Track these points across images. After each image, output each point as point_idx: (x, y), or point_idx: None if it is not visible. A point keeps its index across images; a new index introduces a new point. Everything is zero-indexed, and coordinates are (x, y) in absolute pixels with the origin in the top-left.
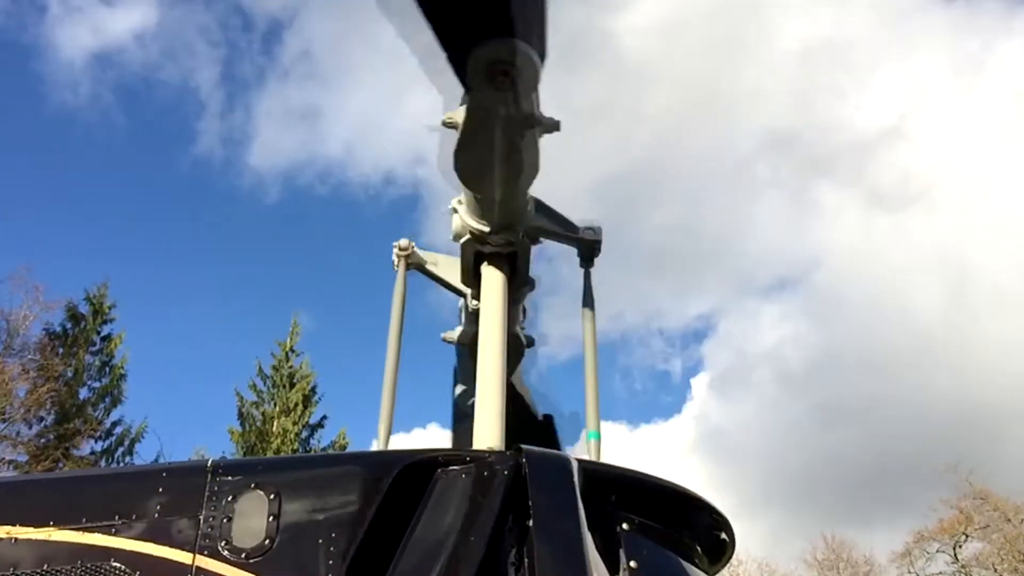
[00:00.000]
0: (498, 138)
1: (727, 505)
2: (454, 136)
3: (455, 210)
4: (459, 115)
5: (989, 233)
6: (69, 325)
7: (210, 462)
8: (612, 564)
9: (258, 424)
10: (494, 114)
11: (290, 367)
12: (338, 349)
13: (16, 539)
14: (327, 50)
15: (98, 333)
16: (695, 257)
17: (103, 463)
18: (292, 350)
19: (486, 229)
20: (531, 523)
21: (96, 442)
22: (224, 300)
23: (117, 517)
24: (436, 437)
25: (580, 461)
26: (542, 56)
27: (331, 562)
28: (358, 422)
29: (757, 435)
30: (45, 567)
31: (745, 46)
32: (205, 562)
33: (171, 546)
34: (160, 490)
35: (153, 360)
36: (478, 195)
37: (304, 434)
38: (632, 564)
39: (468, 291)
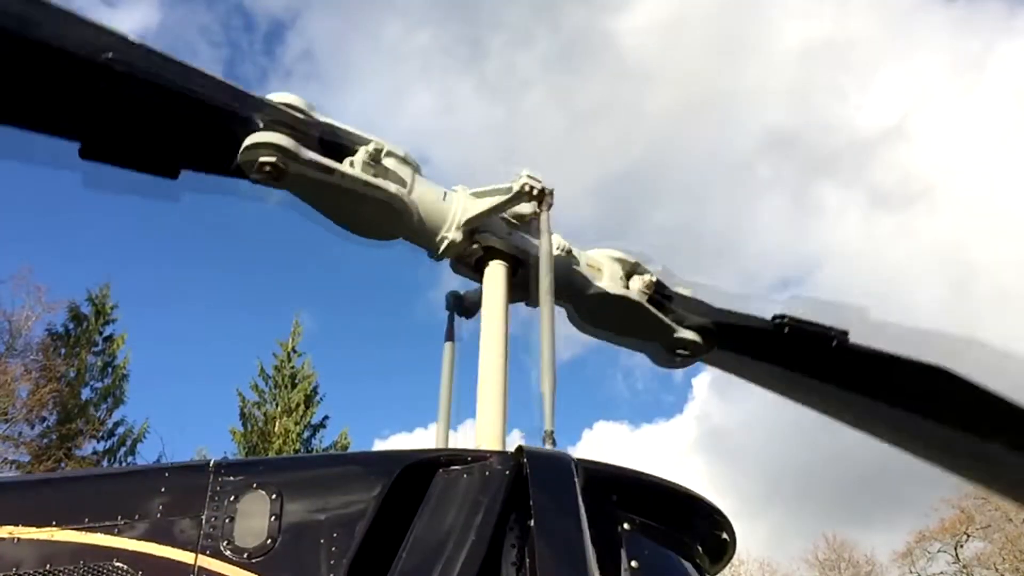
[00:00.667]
0: None
1: (728, 505)
2: None
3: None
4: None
5: (991, 232)
6: (71, 325)
7: (212, 462)
8: (613, 564)
9: (260, 424)
10: None
11: (292, 367)
12: (340, 349)
13: (18, 539)
14: (328, 50)
15: (100, 333)
16: (696, 257)
17: (105, 463)
18: (294, 350)
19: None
20: (532, 523)
21: (98, 442)
22: (226, 300)
23: (119, 517)
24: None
25: (581, 461)
26: None
27: (333, 562)
28: (360, 422)
29: (758, 435)
30: (47, 567)
31: (746, 46)
32: (207, 562)
33: (173, 546)
34: (162, 490)
35: (155, 360)
36: None
37: (306, 434)
38: (633, 564)
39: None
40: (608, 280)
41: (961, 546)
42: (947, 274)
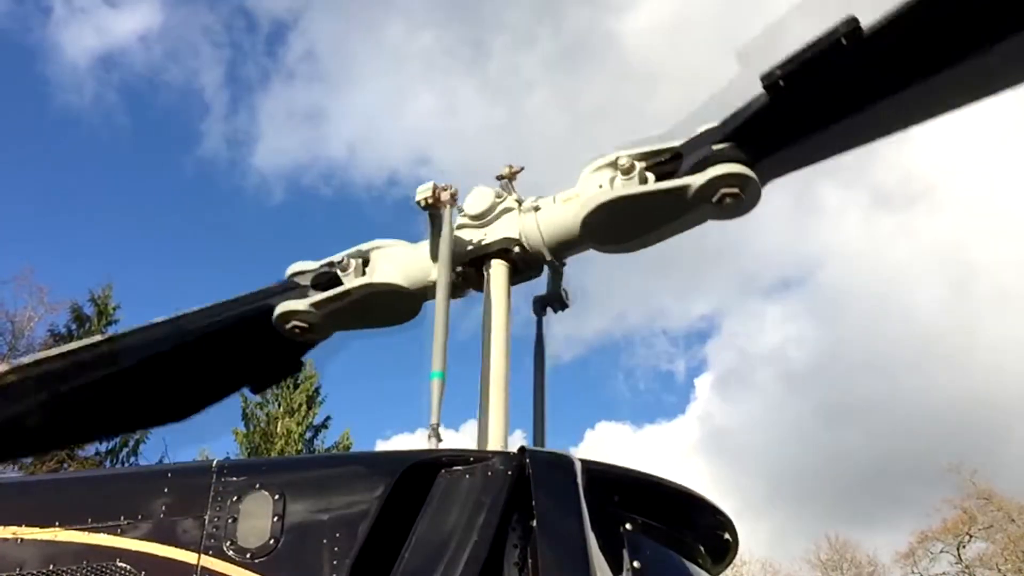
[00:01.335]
0: None
1: (730, 505)
2: None
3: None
4: None
5: (992, 232)
6: (74, 326)
7: (215, 463)
8: (615, 564)
9: (262, 425)
10: None
11: None
12: (341, 350)
13: (22, 539)
14: (331, 51)
15: (102, 334)
16: (698, 257)
17: (107, 464)
18: None
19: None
20: (534, 523)
21: (100, 443)
22: None
23: (122, 517)
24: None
25: (583, 461)
26: None
27: (335, 562)
28: (362, 423)
29: (760, 435)
30: (51, 567)
31: (750, 46)
32: (210, 562)
33: (176, 546)
34: (165, 490)
35: None
36: None
37: (308, 435)
38: (635, 564)
39: None
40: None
41: (963, 546)
42: (949, 274)
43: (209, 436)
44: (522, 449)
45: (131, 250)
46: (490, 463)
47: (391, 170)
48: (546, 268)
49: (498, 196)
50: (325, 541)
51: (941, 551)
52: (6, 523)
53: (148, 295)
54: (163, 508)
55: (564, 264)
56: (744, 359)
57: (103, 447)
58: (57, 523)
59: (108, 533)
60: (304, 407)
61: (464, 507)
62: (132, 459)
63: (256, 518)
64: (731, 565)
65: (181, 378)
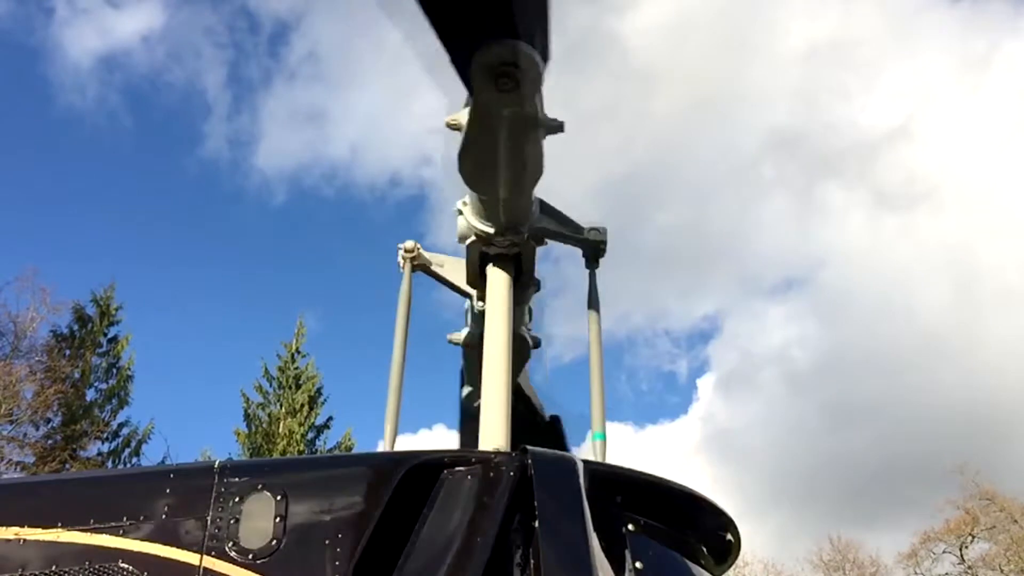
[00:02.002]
0: (503, 140)
1: (733, 506)
2: (458, 138)
3: (460, 212)
4: (463, 117)
5: (996, 232)
6: (76, 327)
7: (217, 463)
8: (618, 565)
9: (264, 425)
10: (498, 116)
11: (296, 368)
12: (343, 350)
13: (24, 540)
14: (333, 52)
15: (105, 335)
16: (701, 257)
17: (110, 464)
18: (298, 351)
19: (491, 230)
20: (537, 524)
21: (103, 443)
22: (230, 302)
23: (125, 518)
24: (443, 438)
25: (586, 462)
26: (545, 57)
27: (337, 563)
28: (364, 423)
29: (763, 436)
30: (53, 568)
31: (751, 46)
32: (212, 563)
33: (178, 547)
34: (168, 491)
35: (159, 362)
36: (483, 197)
37: (310, 435)
38: (638, 565)
39: (474, 292)
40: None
41: (966, 547)
42: (952, 274)
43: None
44: (524, 449)
45: (133, 251)
46: (492, 463)
47: (393, 171)
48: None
49: None
50: (327, 541)
51: (944, 552)
52: (9, 524)
53: (150, 296)
54: (165, 509)
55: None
56: (747, 359)
57: (105, 448)
58: (59, 524)
59: (110, 534)
60: (306, 407)
61: (466, 507)
62: (134, 460)
63: (258, 519)
64: (733, 566)
65: None
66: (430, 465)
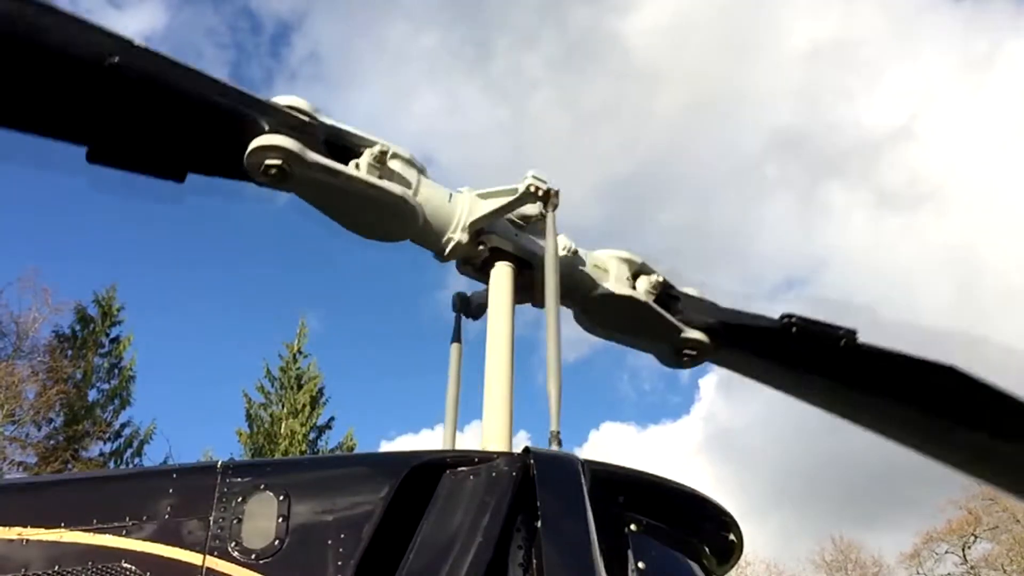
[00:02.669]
0: None
1: (735, 506)
2: None
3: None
4: None
5: (999, 233)
6: (78, 327)
7: (220, 463)
8: (620, 565)
9: (266, 426)
10: None
11: (298, 369)
12: (345, 350)
13: (26, 540)
14: (335, 52)
15: (107, 335)
16: (703, 257)
17: (112, 465)
18: (300, 351)
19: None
20: (539, 524)
21: (105, 444)
22: (232, 302)
23: (127, 518)
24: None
25: (588, 462)
26: None
27: (340, 563)
28: (366, 423)
29: (765, 436)
30: (56, 568)
31: (753, 46)
32: (215, 563)
33: (181, 547)
34: (170, 491)
35: (161, 362)
36: None
37: (312, 435)
38: (640, 565)
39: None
40: (614, 280)
41: (968, 547)
42: (954, 274)
43: (214, 437)
44: (527, 450)
45: (135, 251)
46: (494, 464)
47: None
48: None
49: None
50: (330, 542)
51: (946, 552)
52: (11, 524)
53: (152, 296)
54: (168, 509)
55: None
56: None
57: (107, 448)
58: (62, 524)
59: (113, 534)
60: (308, 408)
61: (469, 508)
62: (136, 460)
63: (261, 519)
64: (736, 566)
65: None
66: (433, 465)
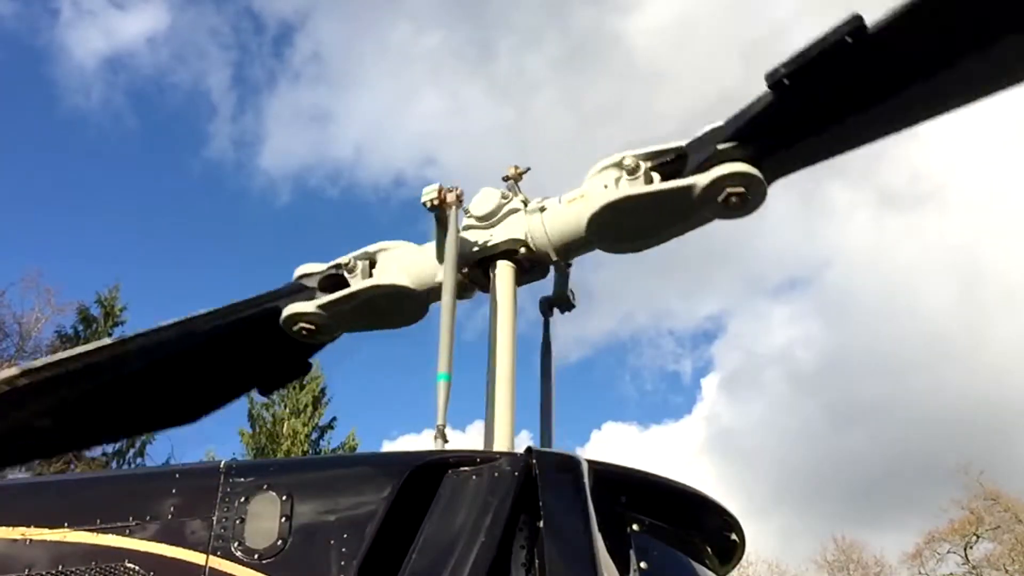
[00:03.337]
0: None
1: (737, 506)
2: None
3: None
4: None
5: (1001, 232)
6: (81, 327)
7: (223, 463)
8: (622, 565)
9: (268, 426)
10: None
11: None
12: (347, 351)
13: (31, 540)
14: (337, 52)
15: (109, 335)
16: (705, 257)
17: (115, 465)
18: None
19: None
20: (541, 524)
21: (108, 445)
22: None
23: (131, 518)
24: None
25: (590, 462)
26: None
27: (343, 563)
28: (367, 423)
29: (767, 436)
30: (60, 568)
31: (755, 46)
32: (218, 563)
33: (184, 547)
34: (173, 491)
35: None
36: None
37: (314, 436)
38: (642, 565)
39: None
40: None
41: (971, 547)
42: (957, 274)
43: (217, 437)
44: (529, 450)
45: (138, 251)
46: (497, 464)
47: (397, 171)
48: (552, 269)
49: (504, 197)
50: (332, 542)
51: (948, 552)
52: (15, 524)
53: (155, 297)
54: (171, 509)
55: (570, 265)
56: (751, 359)
57: (110, 448)
58: (66, 524)
59: (116, 534)
60: (310, 408)
61: (471, 508)
62: (139, 460)
63: (264, 519)
64: (738, 566)
65: (190, 380)
66: (435, 465)
